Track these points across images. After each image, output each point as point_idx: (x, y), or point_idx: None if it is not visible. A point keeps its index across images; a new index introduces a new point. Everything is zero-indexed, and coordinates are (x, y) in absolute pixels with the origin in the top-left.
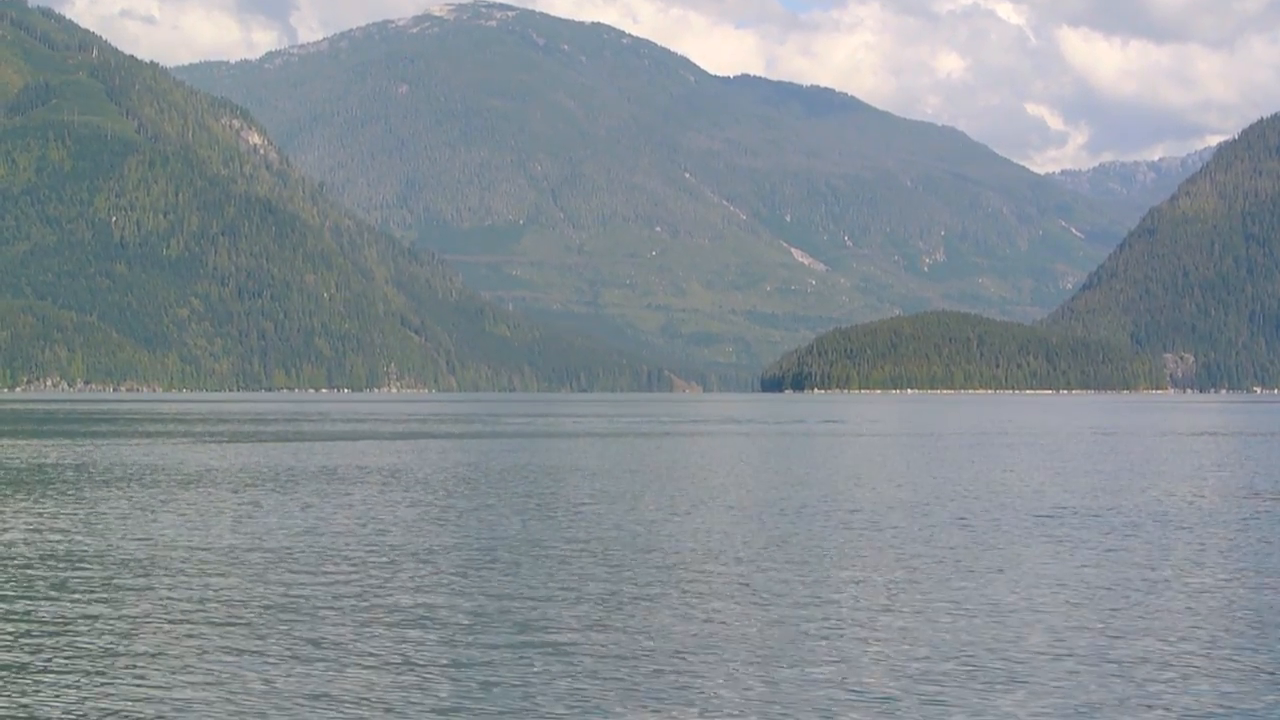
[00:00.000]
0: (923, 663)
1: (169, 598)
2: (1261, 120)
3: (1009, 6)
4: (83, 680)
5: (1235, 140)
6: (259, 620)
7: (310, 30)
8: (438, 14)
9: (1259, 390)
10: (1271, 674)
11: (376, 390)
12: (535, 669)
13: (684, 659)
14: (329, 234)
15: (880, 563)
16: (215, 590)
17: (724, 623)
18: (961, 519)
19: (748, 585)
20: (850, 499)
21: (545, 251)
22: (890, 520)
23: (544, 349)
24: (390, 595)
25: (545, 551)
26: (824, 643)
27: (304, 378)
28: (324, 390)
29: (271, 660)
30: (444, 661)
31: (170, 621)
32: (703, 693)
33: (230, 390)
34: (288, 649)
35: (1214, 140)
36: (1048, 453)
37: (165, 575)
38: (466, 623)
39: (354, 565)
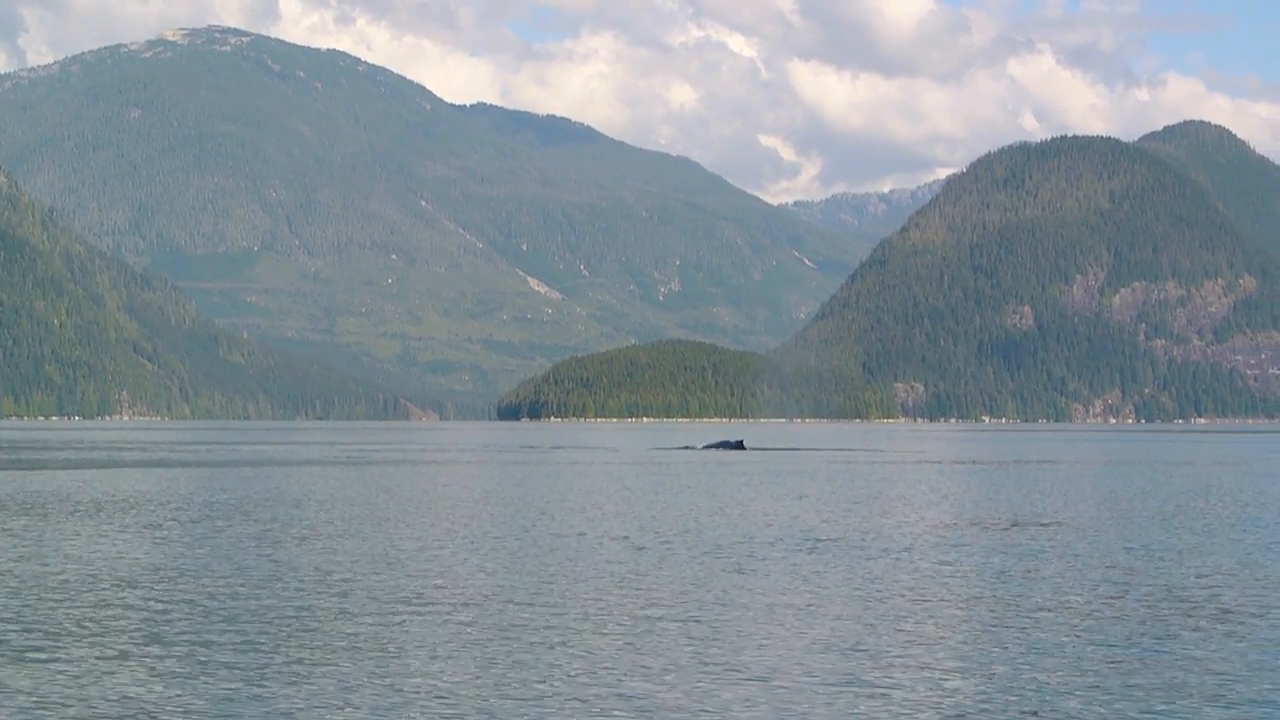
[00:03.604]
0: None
1: None
2: (989, 154)
3: (740, 39)
4: None
5: (963, 173)
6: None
7: (39, 53)
8: (171, 38)
9: (987, 419)
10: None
11: (108, 418)
12: (274, 691)
13: (420, 684)
14: (59, 260)
15: (624, 592)
16: None
17: (462, 646)
18: (716, 547)
19: (487, 610)
20: (599, 526)
21: (280, 279)
22: (636, 546)
23: (279, 377)
24: (129, 623)
25: (285, 579)
26: (561, 674)
27: (34, 405)
28: (54, 418)
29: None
30: (187, 686)
31: None
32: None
33: None
34: (33, 679)
35: (943, 173)
36: (796, 479)
37: None
38: (203, 653)
39: (85, 596)
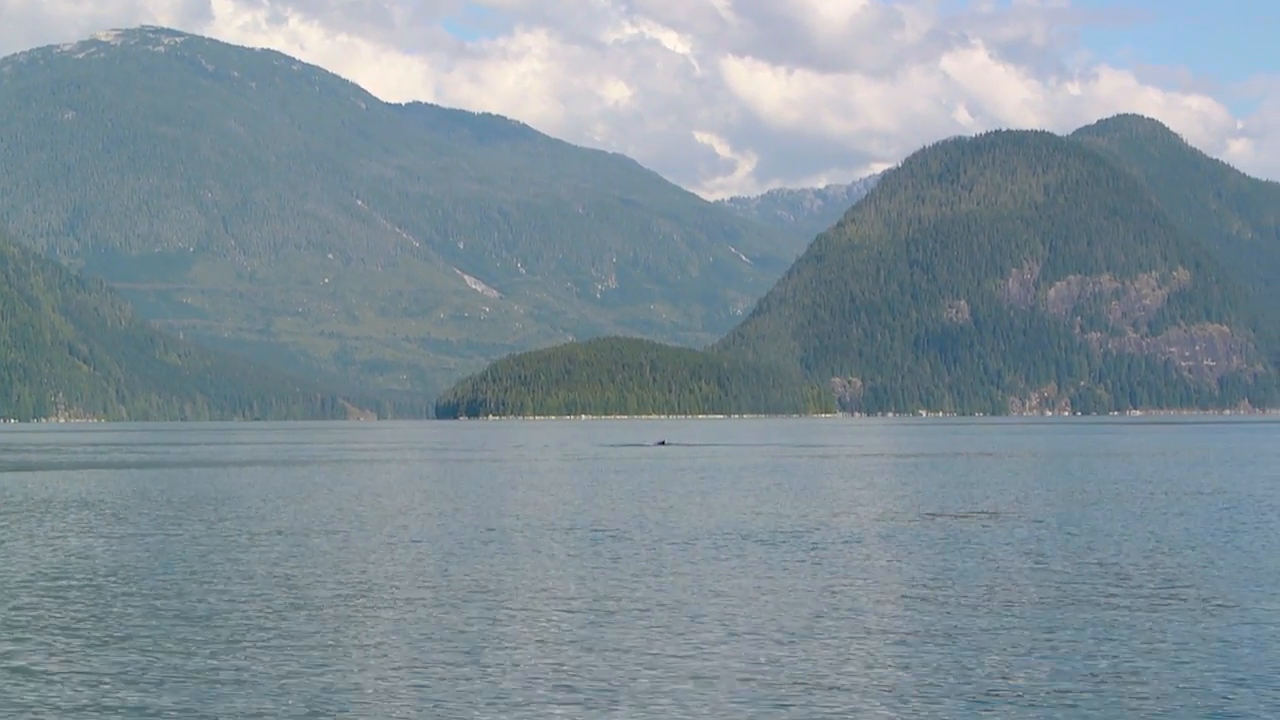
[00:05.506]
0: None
1: None
2: (923, 149)
3: (674, 36)
4: None
5: (898, 168)
6: None
7: None
8: (104, 39)
9: (924, 413)
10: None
11: (44, 420)
12: (207, 691)
13: (351, 679)
14: None
15: (560, 584)
16: None
17: (396, 645)
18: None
19: (415, 611)
20: (543, 520)
21: (216, 279)
22: (579, 541)
23: (216, 377)
24: (64, 621)
25: (235, 576)
26: (491, 666)
27: None
28: None
29: None
30: (122, 681)
31: None
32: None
33: None
34: None
35: (878, 168)
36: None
37: None
38: (153, 650)
39: (34, 595)
